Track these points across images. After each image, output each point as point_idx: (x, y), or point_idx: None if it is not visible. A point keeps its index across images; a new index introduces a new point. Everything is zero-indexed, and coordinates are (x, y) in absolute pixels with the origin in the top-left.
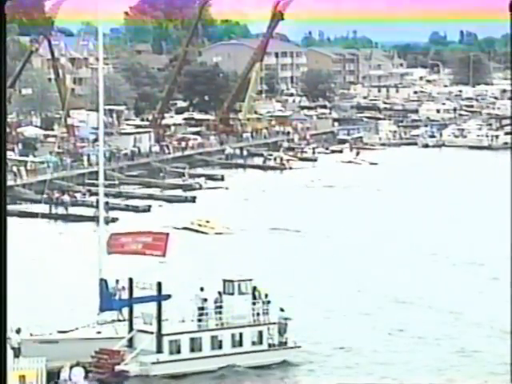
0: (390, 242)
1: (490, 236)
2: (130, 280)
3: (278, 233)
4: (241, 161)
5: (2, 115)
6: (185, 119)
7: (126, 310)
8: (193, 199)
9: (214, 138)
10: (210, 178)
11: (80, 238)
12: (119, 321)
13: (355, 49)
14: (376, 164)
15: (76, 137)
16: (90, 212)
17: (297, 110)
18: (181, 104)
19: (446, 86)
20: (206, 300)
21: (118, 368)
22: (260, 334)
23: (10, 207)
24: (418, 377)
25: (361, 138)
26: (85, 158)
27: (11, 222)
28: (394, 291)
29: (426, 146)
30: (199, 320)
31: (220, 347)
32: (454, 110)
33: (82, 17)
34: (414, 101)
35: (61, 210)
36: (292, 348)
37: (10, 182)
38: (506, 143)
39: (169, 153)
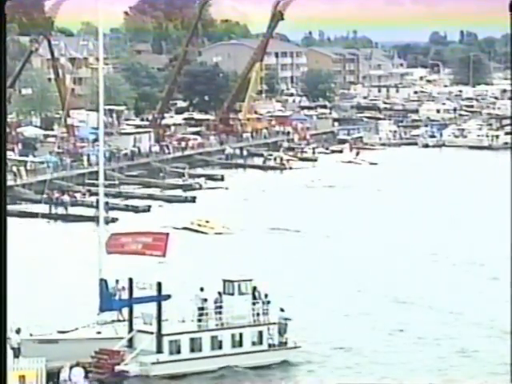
0: (390, 242)
1: (490, 236)
2: (130, 280)
3: (278, 233)
4: (241, 161)
5: (2, 115)
6: (185, 119)
7: (125, 310)
8: (193, 199)
9: (214, 138)
10: (209, 178)
11: (80, 238)
12: (119, 321)
13: (355, 49)
14: (376, 164)
15: (76, 137)
16: (89, 212)
17: (297, 110)
18: (181, 104)
19: (446, 85)
20: (206, 300)
21: (117, 368)
22: (260, 334)
23: (9, 207)
24: (418, 377)
25: (361, 137)
26: (84, 158)
27: (11, 222)
28: (394, 291)
29: (426, 146)
30: (199, 320)
31: (220, 347)
32: (454, 109)
33: (81, 17)
34: (414, 101)
35: (60, 210)
36: (292, 348)
37: (9, 182)
38: (506, 143)
39: (169, 153)
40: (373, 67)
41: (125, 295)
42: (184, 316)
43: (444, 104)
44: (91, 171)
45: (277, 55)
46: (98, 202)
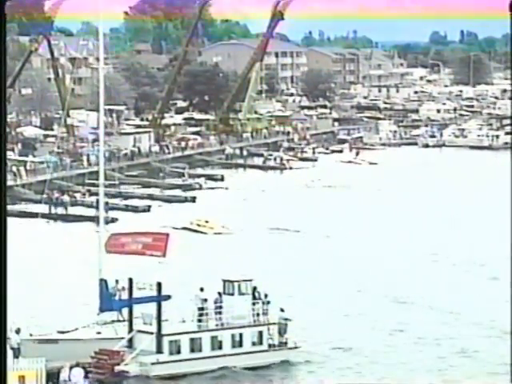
0: (390, 241)
1: (490, 236)
2: (130, 280)
3: (278, 233)
4: (241, 161)
5: (2, 115)
6: (185, 119)
7: (125, 311)
8: (193, 199)
9: (214, 138)
10: (209, 178)
11: (80, 238)
12: (119, 321)
13: (355, 48)
14: (376, 164)
15: (76, 137)
16: (89, 212)
17: (297, 110)
18: (181, 104)
19: (446, 85)
20: (205, 300)
21: (117, 368)
22: (260, 334)
23: (9, 207)
24: (418, 377)
25: (361, 137)
26: (84, 158)
27: (11, 222)
28: (394, 291)
29: (427, 145)
30: (199, 320)
31: (220, 348)
32: (455, 109)
33: (81, 17)
34: (414, 101)
35: (60, 210)
36: (292, 348)
37: (9, 182)
38: (506, 143)
39: (169, 153)
40: (373, 67)
41: (125, 295)
42: (184, 316)
43: (444, 104)
44: (91, 171)
45: (277, 55)
46: (97, 202)
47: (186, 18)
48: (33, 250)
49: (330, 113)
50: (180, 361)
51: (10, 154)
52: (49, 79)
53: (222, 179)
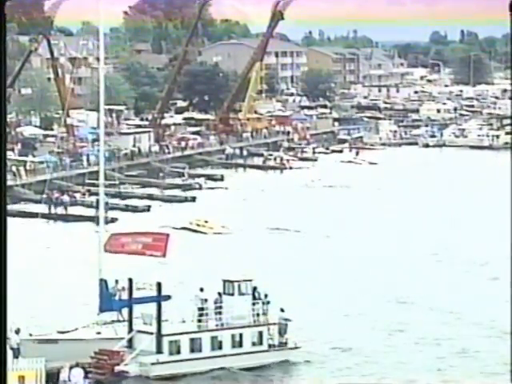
0: (390, 241)
1: (490, 236)
2: (130, 280)
3: (278, 233)
4: (241, 161)
5: (2, 115)
6: (184, 119)
7: (125, 311)
8: (192, 199)
9: (214, 137)
10: (209, 178)
11: (80, 238)
12: (119, 321)
13: (355, 48)
14: (376, 164)
15: (75, 137)
16: (89, 212)
17: (297, 110)
18: (180, 104)
19: (446, 85)
20: (205, 300)
21: (117, 369)
22: (260, 334)
23: (9, 207)
24: (418, 377)
25: (361, 137)
26: (84, 157)
27: (11, 222)
28: (394, 291)
29: (427, 145)
30: (199, 320)
31: (220, 348)
32: (455, 109)
33: (81, 16)
34: (414, 100)
35: (60, 210)
36: (292, 349)
37: (9, 182)
38: (506, 143)
39: (168, 153)
40: (373, 67)
41: (125, 295)
42: (184, 316)
43: (444, 104)
44: (91, 171)
45: (277, 55)
46: (97, 201)
47: (186, 17)
48: (33, 249)
49: (330, 113)
50: (180, 361)
51: (9, 154)
52: (48, 79)
53: (222, 179)
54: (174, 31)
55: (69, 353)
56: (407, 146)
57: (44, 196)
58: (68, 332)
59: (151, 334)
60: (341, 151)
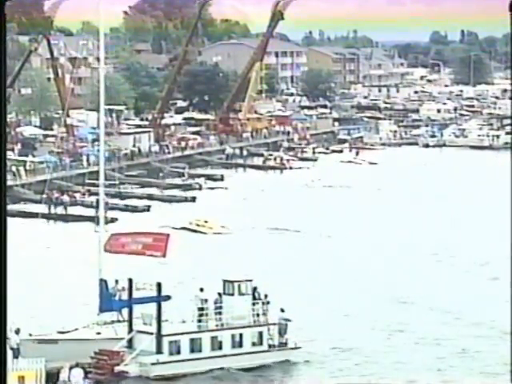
0: (390, 241)
1: (490, 236)
2: (130, 281)
3: (278, 233)
4: (241, 161)
5: (2, 115)
6: (184, 119)
7: (125, 311)
8: (192, 199)
9: (214, 137)
10: (209, 178)
11: (80, 238)
12: (119, 321)
13: (355, 48)
14: (376, 164)
15: (75, 137)
16: (89, 212)
17: (297, 110)
18: (180, 104)
19: (446, 85)
20: (206, 301)
21: (117, 369)
22: (260, 334)
23: (9, 207)
24: (418, 377)
25: (361, 137)
26: (84, 157)
27: (10, 222)
28: (395, 291)
29: (427, 145)
30: (199, 321)
31: (220, 348)
32: (455, 109)
33: (81, 16)
34: (414, 100)
35: (60, 210)
36: (292, 349)
37: (9, 182)
38: (506, 143)
39: (168, 153)
40: (373, 67)
41: (124, 296)
42: (184, 316)
43: (445, 104)
44: (91, 171)
45: (277, 55)
46: (97, 201)
47: (186, 17)
48: (33, 249)
49: (330, 113)
50: (180, 361)
51: (9, 154)
52: (48, 79)
53: (222, 179)
54: (173, 31)
55: (69, 353)
56: (407, 146)
57: (44, 196)
58: (68, 332)
59: (151, 334)
60: (341, 151)
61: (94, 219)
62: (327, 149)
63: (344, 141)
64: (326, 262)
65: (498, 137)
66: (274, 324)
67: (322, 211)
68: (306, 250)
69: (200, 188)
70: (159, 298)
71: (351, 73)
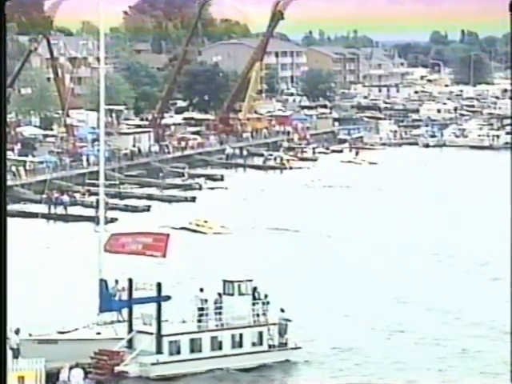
0: (390, 241)
1: (490, 236)
2: (130, 281)
3: (278, 233)
4: (241, 161)
5: (2, 115)
6: (184, 119)
7: (125, 311)
8: (192, 199)
9: (214, 137)
10: (209, 178)
11: (80, 238)
12: (119, 322)
13: (356, 48)
14: (376, 164)
15: (75, 137)
16: (89, 212)
17: (297, 110)
18: (180, 104)
19: (446, 85)
20: (205, 301)
21: (117, 369)
22: (260, 334)
23: (9, 207)
24: (418, 377)
25: (361, 137)
26: (84, 157)
27: (10, 222)
28: (395, 291)
29: (427, 145)
30: (199, 321)
31: (220, 348)
32: (455, 109)
33: (81, 16)
34: (414, 100)
35: (60, 210)
36: (292, 349)
37: (8, 182)
38: (507, 143)
39: (168, 152)
40: (373, 67)
41: (124, 296)
42: (184, 317)
43: (445, 104)
44: (91, 171)
45: (277, 55)
46: (97, 201)
47: (186, 17)
48: (33, 249)
49: (330, 112)
50: (180, 361)
51: (9, 154)
52: (48, 79)
53: (222, 179)
54: (173, 31)
55: (69, 353)
56: (407, 146)
57: (44, 196)
58: (68, 332)
59: (151, 334)
60: (341, 151)
61: (93, 219)
62: (327, 149)
63: (344, 141)
64: (326, 261)
65: (498, 137)
66: (274, 324)
67: (322, 211)
68: (306, 250)
69: (200, 188)
70: (159, 298)
71: (351, 73)
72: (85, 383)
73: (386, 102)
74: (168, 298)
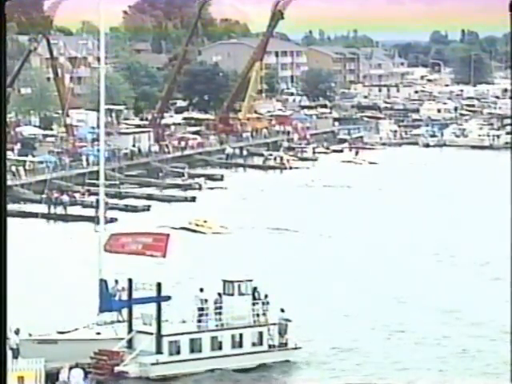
0: (390, 241)
1: (491, 236)
2: (130, 281)
3: (278, 233)
4: (241, 160)
5: (2, 115)
6: (184, 119)
7: (125, 311)
8: (192, 199)
9: (214, 137)
10: (209, 177)
11: (80, 238)
12: (119, 322)
13: (356, 48)
14: (376, 164)
15: (75, 136)
16: (89, 212)
17: (297, 110)
18: (180, 103)
19: (447, 85)
20: (205, 301)
21: (117, 369)
22: (260, 334)
23: (8, 207)
24: (418, 377)
25: (361, 137)
26: (84, 157)
27: (10, 221)
28: (395, 291)
29: (427, 145)
30: (199, 321)
31: (220, 348)
32: (455, 109)
33: (81, 16)
34: (414, 100)
35: (60, 210)
36: (292, 349)
37: (8, 182)
38: (507, 143)
39: (168, 152)
40: (373, 66)
41: (124, 296)
42: (184, 317)
43: (445, 103)
44: (91, 171)
45: (277, 54)
46: (97, 201)
47: (186, 17)
48: (33, 249)
49: (330, 112)
50: (180, 361)
51: (9, 154)
52: (48, 79)
53: (222, 179)
54: (173, 31)
55: (68, 353)
56: (407, 146)
57: (44, 196)
58: (68, 332)
59: (151, 334)
60: (341, 151)
61: (93, 219)
62: (327, 149)
63: (344, 141)
64: (326, 262)
65: (498, 136)
66: (274, 324)
67: (322, 211)
68: (306, 250)
69: (200, 188)
70: (159, 298)
71: (351, 72)
72: (85, 383)
73: (386, 102)
74: (168, 298)
